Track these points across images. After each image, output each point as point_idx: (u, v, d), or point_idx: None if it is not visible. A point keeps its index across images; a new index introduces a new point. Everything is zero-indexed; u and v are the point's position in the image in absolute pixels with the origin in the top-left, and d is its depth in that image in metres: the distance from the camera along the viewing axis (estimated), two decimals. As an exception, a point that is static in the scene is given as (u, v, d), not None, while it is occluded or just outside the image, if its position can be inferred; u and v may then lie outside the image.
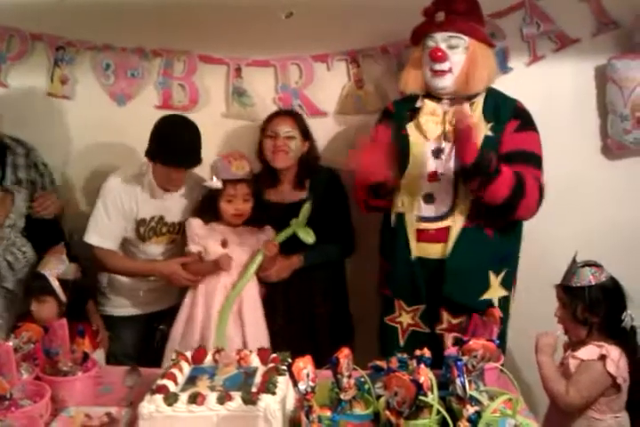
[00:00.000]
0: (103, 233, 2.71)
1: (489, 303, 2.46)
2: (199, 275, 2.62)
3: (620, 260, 2.24)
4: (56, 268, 2.41)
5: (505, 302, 2.55)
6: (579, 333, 2.21)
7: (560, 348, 2.30)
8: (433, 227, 2.51)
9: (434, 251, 2.52)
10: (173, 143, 2.59)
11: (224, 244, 2.62)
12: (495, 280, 2.51)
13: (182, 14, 2.95)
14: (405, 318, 2.63)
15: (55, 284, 2.39)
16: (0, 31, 3.08)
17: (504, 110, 2.48)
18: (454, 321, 2.54)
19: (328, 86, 3.06)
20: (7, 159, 2.85)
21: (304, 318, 2.79)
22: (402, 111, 2.63)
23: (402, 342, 2.64)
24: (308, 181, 2.84)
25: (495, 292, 2.52)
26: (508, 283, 2.57)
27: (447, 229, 2.49)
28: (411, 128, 2.56)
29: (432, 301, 2.56)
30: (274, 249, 2.63)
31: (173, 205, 2.77)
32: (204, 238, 2.63)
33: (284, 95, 3.06)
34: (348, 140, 3.03)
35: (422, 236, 2.53)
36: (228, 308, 2.57)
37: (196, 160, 2.61)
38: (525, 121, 2.47)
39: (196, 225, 2.64)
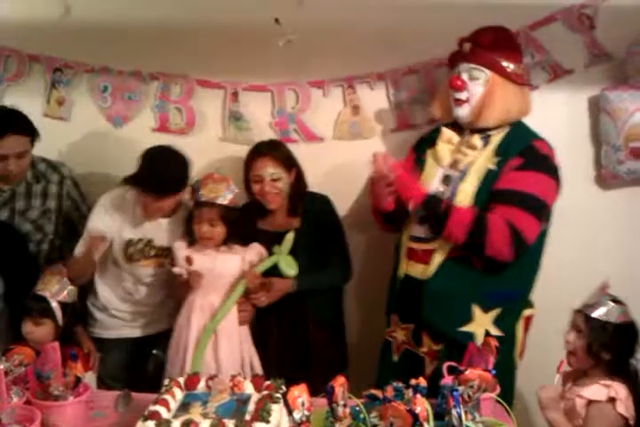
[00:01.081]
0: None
1: (469, 337, 2.42)
2: (185, 294, 2.61)
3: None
4: (57, 290, 2.38)
5: (505, 343, 2.41)
6: (584, 363, 2.18)
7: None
8: (420, 247, 2.56)
9: (419, 271, 2.55)
10: (147, 169, 2.60)
11: (189, 260, 2.58)
12: (482, 315, 2.45)
13: (180, 38, 2.97)
14: (400, 334, 2.65)
15: (55, 306, 2.37)
16: (-2, 52, 3.10)
17: (514, 146, 2.47)
18: (435, 347, 2.53)
19: (324, 112, 3.07)
20: (35, 188, 2.86)
21: (297, 345, 2.77)
22: (430, 137, 2.70)
23: (396, 358, 2.67)
24: (302, 207, 2.84)
25: (479, 327, 2.45)
26: (506, 324, 2.50)
27: (431, 251, 2.51)
28: (429, 154, 2.63)
29: (417, 322, 2.57)
30: (255, 281, 2.61)
31: (162, 230, 2.76)
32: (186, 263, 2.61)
33: (280, 120, 3.07)
34: (344, 166, 3.06)
35: (411, 255, 2.59)
36: (206, 337, 2.54)
37: (168, 188, 2.59)
38: (531, 161, 2.42)
39: (177, 247, 2.64)
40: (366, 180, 3.00)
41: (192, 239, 2.65)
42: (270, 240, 2.70)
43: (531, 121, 2.61)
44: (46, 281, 2.41)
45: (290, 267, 2.64)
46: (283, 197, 2.79)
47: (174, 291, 2.73)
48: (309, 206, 2.84)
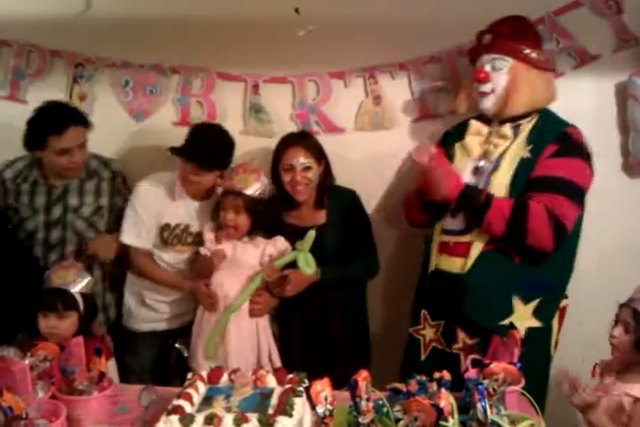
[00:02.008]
0: (137, 233, 2.76)
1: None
2: (205, 274, 2.63)
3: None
4: (77, 282, 2.40)
5: (541, 334, 2.47)
6: (628, 358, 2.14)
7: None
8: (453, 240, 2.53)
9: (453, 264, 2.52)
10: (195, 139, 2.65)
11: (217, 238, 2.62)
12: (523, 308, 2.44)
13: (200, 31, 2.97)
14: (429, 331, 2.63)
15: (78, 298, 2.38)
16: (20, 48, 3.12)
17: (547, 134, 2.46)
18: (470, 342, 2.50)
19: (345, 103, 3.05)
20: (88, 185, 2.87)
21: (321, 337, 2.75)
22: (456, 131, 2.70)
23: (423, 357, 2.64)
24: (328, 201, 2.82)
25: (522, 320, 2.41)
26: (545, 315, 2.48)
27: (467, 244, 2.48)
28: (458, 147, 2.61)
29: (451, 318, 2.55)
30: (273, 275, 2.61)
31: (196, 214, 2.78)
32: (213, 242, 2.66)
33: (301, 112, 3.05)
34: (365, 157, 3.05)
35: (443, 248, 2.57)
36: (217, 329, 2.55)
37: (211, 159, 2.62)
38: (566, 147, 2.42)
39: (207, 229, 2.67)
40: (395, 171, 3.04)
41: (219, 225, 2.66)
42: (296, 234, 2.68)
43: (557, 108, 2.58)
44: (62, 275, 2.41)
45: (308, 265, 2.61)
46: (311, 188, 2.78)
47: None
48: (337, 201, 2.83)
